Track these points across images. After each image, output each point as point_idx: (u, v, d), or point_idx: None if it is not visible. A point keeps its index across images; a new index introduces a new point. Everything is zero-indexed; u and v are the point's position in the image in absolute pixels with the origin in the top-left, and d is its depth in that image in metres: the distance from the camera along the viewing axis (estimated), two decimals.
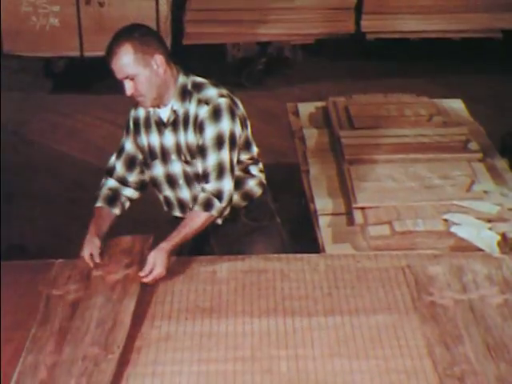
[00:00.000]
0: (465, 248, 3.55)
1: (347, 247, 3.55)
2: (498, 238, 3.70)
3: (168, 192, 3.13)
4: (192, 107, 2.96)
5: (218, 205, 2.92)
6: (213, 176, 2.92)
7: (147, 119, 3.06)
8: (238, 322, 2.67)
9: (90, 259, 2.92)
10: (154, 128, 3.04)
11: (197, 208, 2.93)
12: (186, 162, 3.01)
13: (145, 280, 2.81)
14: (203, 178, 2.96)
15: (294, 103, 5.06)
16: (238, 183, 3.05)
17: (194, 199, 3.02)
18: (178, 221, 3.07)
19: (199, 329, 2.65)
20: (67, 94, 6.95)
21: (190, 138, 2.98)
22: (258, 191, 3.15)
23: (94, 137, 6.28)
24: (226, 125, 2.93)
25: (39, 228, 5.01)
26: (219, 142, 2.92)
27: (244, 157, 3.06)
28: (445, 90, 6.45)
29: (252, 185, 3.13)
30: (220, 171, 2.92)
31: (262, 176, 3.16)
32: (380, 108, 4.85)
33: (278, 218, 3.25)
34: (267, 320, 2.68)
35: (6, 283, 2.84)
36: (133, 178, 3.15)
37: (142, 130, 3.08)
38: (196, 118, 2.94)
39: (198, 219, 2.93)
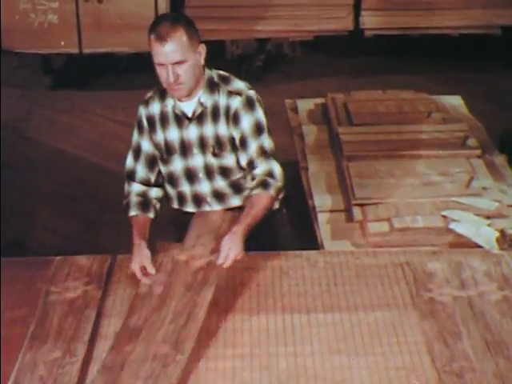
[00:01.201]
0: (463, 244, 3.55)
1: (346, 244, 3.55)
2: (497, 234, 3.70)
3: (185, 187, 3.10)
4: (222, 99, 2.97)
5: (274, 183, 2.92)
6: (259, 161, 2.94)
7: (163, 114, 3.03)
8: (236, 319, 2.67)
9: (140, 272, 2.82)
10: (172, 123, 3.02)
11: (255, 191, 2.91)
12: (215, 155, 3.00)
13: (224, 266, 2.75)
14: (249, 166, 2.97)
15: (293, 100, 5.06)
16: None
17: (214, 193, 3.04)
18: (187, 216, 3.08)
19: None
20: (66, 90, 6.94)
21: (220, 129, 2.98)
22: None
23: (93, 133, 6.28)
24: (260, 114, 2.97)
25: (38, 225, 5.01)
26: (258, 129, 2.95)
27: None
28: (444, 86, 6.44)
29: None
30: (264, 155, 2.95)
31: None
32: (379, 104, 4.85)
33: (289, 203, 3.29)
34: (266, 317, 2.68)
35: (4, 280, 2.84)
36: (155, 176, 3.11)
37: (158, 126, 3.04)
38: (228, 109, 2.96)
39: (260, 199, 2.90)
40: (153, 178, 3.11)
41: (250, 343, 2.56)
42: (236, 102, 2.95)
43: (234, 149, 2.99)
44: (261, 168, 2.95)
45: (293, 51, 7.26)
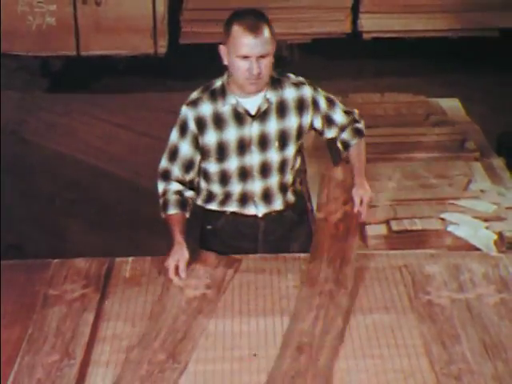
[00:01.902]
0: (462, 247, 3.55)
1: None
2: (495, 237, 3.70)
3: (234, 186, 3.06)
4: (288, 92, 3.01)
5: (361, 127, 3.20)
6: (341, 112, 3.15)
7: (217, 115, 2.98)
8: (235, 322, 2.67)
9: (173, 272, 2.85)
10: (231, 122, 2.98)
11: (353, 141, 3.16)
12: (280, 148, 3.01)
13: (363, 213, 3.05)
14: (334, 122, 3.14)
15: None
16: (295, 178, 3.14)
17: (263, 193, 3.06)
18: (221, 218, 3.13)
19: None
20: (64, 93, 6.94)
21: (289, 122, 3.00)
22: (300, 187, 3.21)
23: (91, 136, 6.27)
24: (322, 91, 3.14)
25: (36, 227, 5.00)
26: (330, 99, 3.13)
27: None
28: (441, 89, 6.45)
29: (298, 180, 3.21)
30: (342, 106, 3.17)
31: None
32: (377, 107, 4.86)
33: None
34: (264, 319, 2.68)
35: (3, 282, 2.83)
36: (189, 178, 3.08)
37: (211, 127, 2.99)
38: (301, 99, 3.03)
39: (361, 147, 3.18)
40: (187, 180, 3.07)
41: (248, 346, 2.56)
42: (308, 91, 3.04)
43: (298, 138, 3.06)
44: (344, 117, 3.15)
45: (291, 54, 7.26)
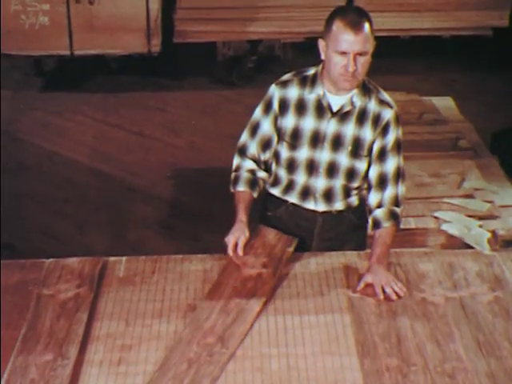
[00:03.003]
0: (455, 245, 3.56)
1: None
2: (489, 235, 3.71)
3: (299, 177, 3.05)
4: (372, 105, 2.95)
5: (398, 212, 2.99)
6: (390, 180, 2.97)
7: (301, 101, 2.98)
8: None
9: (232, 248, 2.90)
10: (311, 112, 2.97)
11: (386, 224, 2.96)
12: (353, 155, 2.98)
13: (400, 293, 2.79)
14: (379, 180, 2.99)
15: None
16: (360, 187, 3.07)
17: (325, 192, 3.03)
18: (282, 207, 3.11)
19: None
20: (57, 92, 6.93)
21: (364, 133, 2.96)
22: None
23: (85, 136, 6.27)
24: (400, 133, 3.00)
25: (29, 227, 5.00)
26: (398, 148, 2.99)
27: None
28: (435, 87, 6.46)
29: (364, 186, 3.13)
30: (397, 175, 2.98)
31: None
32: None
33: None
34: (258, 318, 2.67)
35: None
36: (264, 158, 3.09)
37: (292, 111, 2.99)
38: (378, 117, 2.95)
39: (391, 233, 2.96)
40: (262, 159, 3.09)
41: (242, 345, 2.56)
42: (388, 114, 2.95)
43: (369, 155, 2.99)
44: (389, 192, 2.98)
45: (284, 53, 7.26)
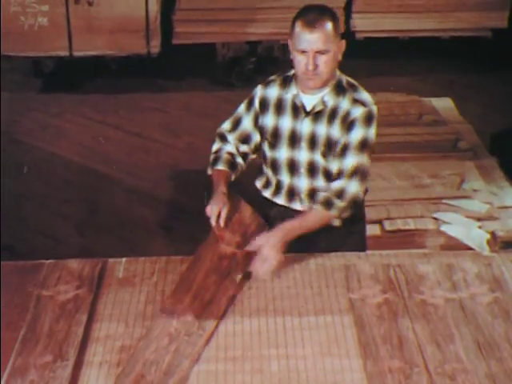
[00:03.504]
0: (455, 247, 3.56)
1: None
2: (488, 236, 3.71)
3: (284, 177, 3.08)
4: (345, 104, 2.93)
5: (338, 204, 2.91)
6: (345, 175, 2.92)
7: (280, 101, 3.02)
8: (228, 322, 2.67)
9: (215, 218, 2.88)
10: (288, 112, 3.00)
11: (317, 207, 2.92)
12: (323, 155, 2.98)
13: (258, 273, 2.81)
14: (336, 175, 2.94)
15: None
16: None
17: (309, 191, 3.03)
18: (274, 209, 3.11)
19: None
20: (56, 93, 6.93)
21: (334, 132, 2.95)
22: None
23: (83, 137, 6.27)
24: (372, 132, 2.94)
25: (29, 228, 4.99)
26: (363, 146, 2.92)
27: None
28: (434, 88, 6.46)
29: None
30: (353, 172, 2.92)
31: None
32: None
33: (363, 223, 3.24)
34: (258, 319, 2.67)
35: None
36: (243, 150, 3.12)
37: (271, 110, 3.04)
38: (347, 114, 2.92)
39: (317, 216, 2.93)
40: (241, 151, 3.12)
41: (242, 346, 2.56)
42: (357, 112, 2.91)
43: None
44: (337, 184, 2.92)
45: (283, 54, 7.25)
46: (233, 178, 3.08)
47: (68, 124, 6.50)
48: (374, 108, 2.95)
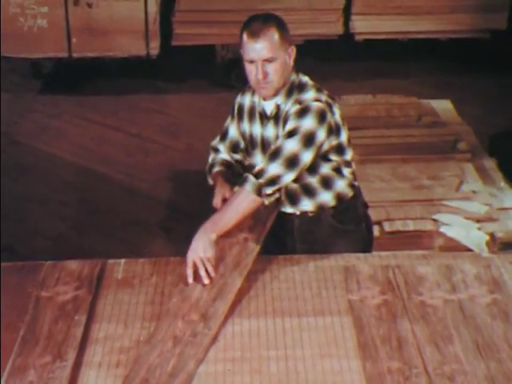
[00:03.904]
0: (454, 248, 3.56)
1: None
2: (487, 237, 3.72)
3: None
4: (288, 106, 2.95)
5: (252, 180, 2.83)
6: (267, 158, 2.87)
7: (251, 109, 3.07)
8: (227, 323, 2.66)
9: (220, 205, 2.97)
10: (257, 118, 3.05)
11: (235, 188, 2.95)
12: None
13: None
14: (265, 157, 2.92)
15: None
16: (328, 182, 3.02)
17: (286, 193, 3.03)
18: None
19: None
20: (56, 95, 6.93)
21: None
22: (348, 193, 3.09)
23: (83, 138, 6.27)
24: (308, 123, 2.85)
25: (28, 229, 4.99)
26: (292, 133, 2.85)
27: (335, 158, 3.00)
28: (433, 90, 6.47)
29: (342, 186, 3.06)
30: (275, 155, 2.84)
31: (352, 178, 3.10)
32: (369, 109, 4.87)
33: (364, 224, 3.21)
34: (257, 320, 2.67)
35: None
36: (236, 159, 3.20)
37: (246, 117, 3.10)
38: (286, 115, 2.94)
39: (236, 195, 2.89)
40: (234, 159, 3.20)
41: (241, 347, 2.56)
42: (292, 109, 2.90)
43: None
44: (258, 166, 2.88)
45: None
46: (232, 179, 3.09)
47: (67, 125, 6.50)
48: (313, 104, 2.88)
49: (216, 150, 3.23)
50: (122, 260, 3.02)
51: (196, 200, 5.31)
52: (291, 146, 2.84)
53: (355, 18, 6.96)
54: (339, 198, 3.07)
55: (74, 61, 6.78)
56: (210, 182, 3.17)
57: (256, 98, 3.05)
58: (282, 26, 2.91)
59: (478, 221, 3.84)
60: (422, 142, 4.50)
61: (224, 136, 3.21)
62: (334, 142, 2.95)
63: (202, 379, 2.43)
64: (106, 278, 2.92)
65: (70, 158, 5.94)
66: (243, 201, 2.86)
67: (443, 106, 5.09)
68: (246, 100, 3.11)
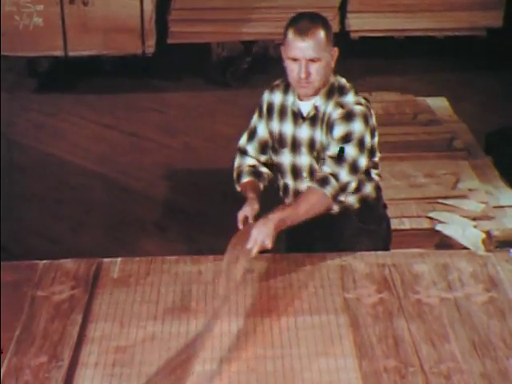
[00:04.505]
0: (450, 246, 3.56)
1: None
2: (483, 235, 3.72)
3: (289, 181, 3.10)
4: (329, 108, 2.93)
5: (334, 184, 2.85)
6: (331, 163, 2.87)
7: (283, 107, 3.04)
8: (224, 322, 2.66)
9: (241, 222, 2.89)
10: (289, 117, 3.02)
11: (312, 184, 2.89)
12: (317, 159, 2.98)
13: (252, 252, 2.75)
14: (323, 163, 2.91)
15: None
16: (357, 185, 3.01)
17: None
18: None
19: (185, 329, 2.64)
20: (52, 93, 6.92)
21: (323, 136, 2.95)
22: (373, 194, 3.10)
23: (79, 137, 6.26)
24: (356, 126, 2.88)
25: (23, 228, 4.98)
26: (346, 138, 2.87)
27: (366, 163, 3.00)
28: (429, 88, 6.47)
29: (369, 188, 3.08)
30: (339, 161, 2.86)
31: (378, 179, 3.13)
32: None
33: (384, 224, 3.21)
34: (253, 319, 2.67)
35: None
36: (264, 159, 3.14)
37: (276, 116, 3.06)
38: (329, 119, 2.92)
39: (312, 197, 2.87)
40: (263, 160, 3.13)
41: (237, 346, 2.56)
42: (336, 114, 2.90)
43: None
44: (329, 168, 2.88)
45: (279, 54, 7.25)
46: (261, 186, 3.09)
47: (63, 124, 6.49)
48: (356, 108, 2.91)
49: (243, 152, 3.14)
50: (118, 259, 3.02)
51: (192, 199, 5.32)
52: (351, 152, 2.87)
53: (351, 15, 6.95)
54: (364, 200, 3.08)
55: (70, 59, 6.77)
56: (238, 189, 3.11)
57: (290, 97, 3.01)
58: (327, 27, 2.89)
59: (474, 219, 3.84)
60: (418, 140, 4.50)
61: (252, 135, 3.13)
62: (369, 144, 2.97)
63: (198, 378, 2.43)
64: (102, 277, 2.92)
65: (66, 156, 5.93)
66: (319, 203, 2.88)
67: (439, 104, 5.09)
68: (276, 98, 3.06)
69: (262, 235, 2.74)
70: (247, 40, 7.03)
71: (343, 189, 2.91)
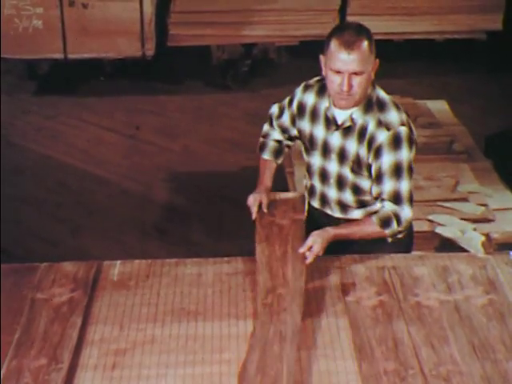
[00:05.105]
0: (450, 249, 3.56)
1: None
2: (483, 238, 3.71)
3: (316, 183, 3.11)
4: (371, 124, 2.90)
5: (394, 227, 2.91)
6: (390, 203, 2.91)
7: (315, 110, 3.03)
8: (223, 325, 2.66)
9: (257, 207, 3.03)
10: (322, 122, 3.01)
11: (375, 220, 2.91)
12: (353, 171, 2.97)
13: (307, 258, 2.83)
14: (379, 200, 2.95)
15: None
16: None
17: (339, 202, 3.05)
18: (312, 211, 3.16)
19: (184, 331, 2.64)
20: (51, 96, 6.92)
21: (361, 151, 2.92)
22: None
23: (79, 139, 6.26)
24: (404, 154, 2.87)
25: (23, 231, 4.98)
26: (397, 171, 2.88)
27: None
28: (429, 91, 6.47)
29: None
30: (397, 199, 2.90)
31: None
32: None
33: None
34: (253, 322, 2.67)
35: None
36: (286, 137, 3.24)
37: (307, 116, 3.05)
38: (373, 138, 2.88)
39: (370, 228, 2.93)
40: (286, 136, 3.22)
41: (236, 348, 2.56)
42: (382, 137, 2.86)
43: (371, 175, 2.95)
44: (389, 207, 2.91)
45: (279, 56, 7.26)
46: (279, 162, 3.24)
47: (63, 126, 6.49)
48: (402, 130, 2.88)
49: (271, 123, 3.22)
50: (118, 262, 3.02)
51: (192, 201, 5.32)
52: (405, 186, 2.90)
53: (351, 18, 6.95)
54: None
55: (70, 62, 6.77)
56: (260, 155, 3.23)
57: (325, 102, 2.98)
58: (371, 38, 2.87)
59: (474, 221, 3.84)
60: (418, 143, 4.48)
61: (279, 115, 3.19)
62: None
63: (197, 381, 2.43)
64: (102, 279, 2.92)
65: (66, 159, 5.93)
66: (376, 236, 2.94)
67: (439, 107, 5.09)
68: (310, 99, 3.04)
69: (317, 246, 2.83)
70: (247, 43, 7.04)
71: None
